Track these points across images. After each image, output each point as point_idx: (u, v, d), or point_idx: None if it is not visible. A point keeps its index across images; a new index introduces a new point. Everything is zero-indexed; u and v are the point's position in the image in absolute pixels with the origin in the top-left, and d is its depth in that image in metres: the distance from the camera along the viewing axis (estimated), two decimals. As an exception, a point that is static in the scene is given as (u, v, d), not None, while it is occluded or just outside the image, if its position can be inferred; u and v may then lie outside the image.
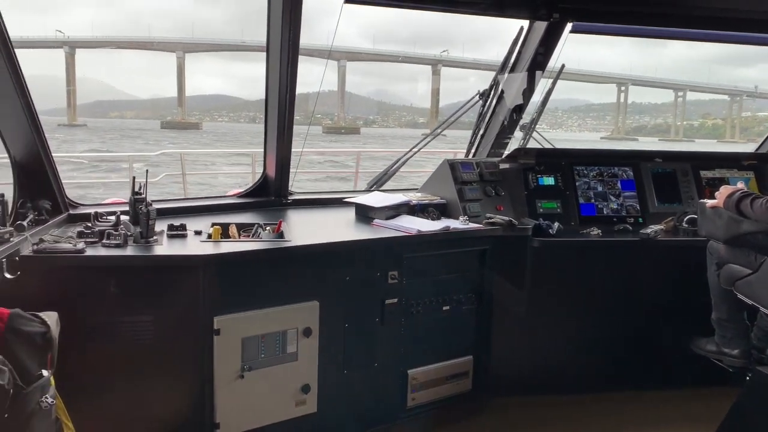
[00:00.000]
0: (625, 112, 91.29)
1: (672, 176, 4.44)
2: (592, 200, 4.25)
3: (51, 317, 2.37)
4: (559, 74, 4.61)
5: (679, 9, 4.39)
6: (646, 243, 3.84)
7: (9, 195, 2.82)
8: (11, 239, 2.55)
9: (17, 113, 2.85)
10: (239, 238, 3.35)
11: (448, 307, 3.71)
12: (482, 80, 4.63)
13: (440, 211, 4.02)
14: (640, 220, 4.23)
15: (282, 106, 3.74)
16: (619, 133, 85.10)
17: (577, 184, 4.27)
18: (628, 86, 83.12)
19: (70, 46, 72.16)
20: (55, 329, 2.37)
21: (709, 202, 3.38)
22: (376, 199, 3.93)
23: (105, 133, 60.34)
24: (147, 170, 3.25)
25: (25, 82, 2.82)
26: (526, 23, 4.36)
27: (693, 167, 4.49)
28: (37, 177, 3.10)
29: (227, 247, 3.07)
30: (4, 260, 2.43)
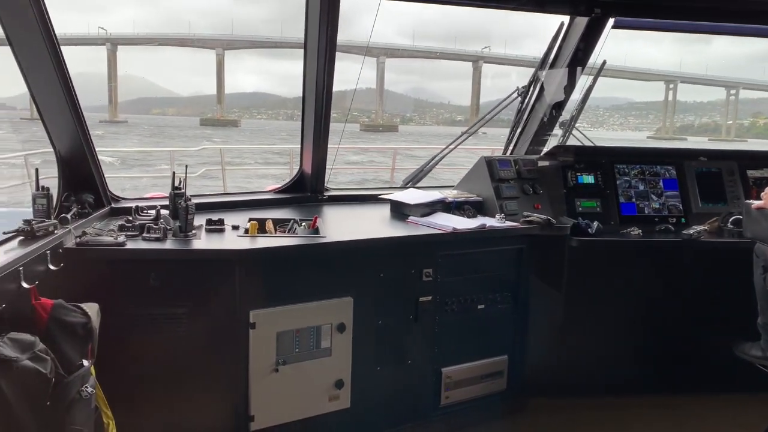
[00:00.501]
0: (674, 110, 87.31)
1: (717, 175, 4.30)
2: (633, 199, 4.15)
3: (92, 308, 2.44)
4: (600, 70, 4.51)
5: (725, 3, 4.24)
6: (688, 244, 3.74)
7: (53, 188, 2.90)
8: (55, 232, 2.62)
9: (63, 109, 2.93)
10: (275, 233, 3.38)
11: (483, 306, 3.67)
12: (522, 78, 4.53)
13: (476, 208, 3.98)
14: (683, 220, 4.12)
15: (319, 103, 3.76)
16: (667, 133, 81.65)
17: (617, 182, 4.18)
18: (677, 84, 79.87)
19: (112, 43, 72.77)
20: (95, 320, 2.43)
21: (755, 203, 3.26)
22: (411, 197, 3.92)
23: (143, 130, 61.05)
24: (186, 166, 3.30)
25: (70, 79, 2.89)
26: (566, 18, 4.28)
27: (740, 166, 4.35)
28: (81, 171, 3.18)
29: (263, 242, 3.10)
30: (48, 252, 2.50)
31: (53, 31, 2.70)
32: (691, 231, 3.76)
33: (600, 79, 4.60)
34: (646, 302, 3.86)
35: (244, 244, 3.04)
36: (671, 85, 79.60)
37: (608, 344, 3.90)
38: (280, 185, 4.26)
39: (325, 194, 4.18)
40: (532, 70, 4.57)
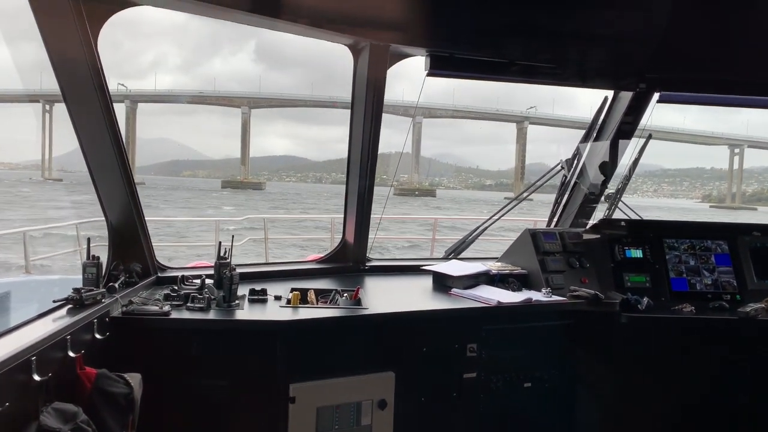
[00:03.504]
0: (740, 178, 76.41)
1: None
2: (684, 275, 4.01)
3: (134, 378, 2.43)
4: (646, 144, 4.44)
5: None
6: (746, 323, 3.57)
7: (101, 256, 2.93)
8: (103, 300, 2.63)
9: (117, 182, 3.02)
10: (317, 303, 3.35)
11: (529, 384, 3.54)
12: (563, 139, 4.50)
13: (521, 282, 3.90)
14: (738, 297, 3.94)
15: (363, 174, 3.81)
16: (735, 202, 73.70)
17: (667, 257, 4.05)
18: (744, 149, 71.49)
19: (132, 100, 71.49)
20: (138, 390, 2.41)
21: None
22: (454, 268, 3.87)
23: (152, 192, 59.56)
24: (233, 236, 3.32)
25: (126, 153, 2.98)
26: (610, 93, 4.28)
27: None
28: (130, 241, 3.23)
29: (305, 313, 3.07)
30: (95, 321, 2.51)
31: (111, 105, 2.80)
32: (748, 309, 3.60)
33: (637, 142, 4.51)
34: (702, 382, 3.67)
35: (286, 314, 3.01)
36: (736, 150, 71.95)
37: (663, 426, 3.70)
38: (322, 255, 4.25)
39: (367, 264, 4.15)
40: (577, 132, 4.54)
